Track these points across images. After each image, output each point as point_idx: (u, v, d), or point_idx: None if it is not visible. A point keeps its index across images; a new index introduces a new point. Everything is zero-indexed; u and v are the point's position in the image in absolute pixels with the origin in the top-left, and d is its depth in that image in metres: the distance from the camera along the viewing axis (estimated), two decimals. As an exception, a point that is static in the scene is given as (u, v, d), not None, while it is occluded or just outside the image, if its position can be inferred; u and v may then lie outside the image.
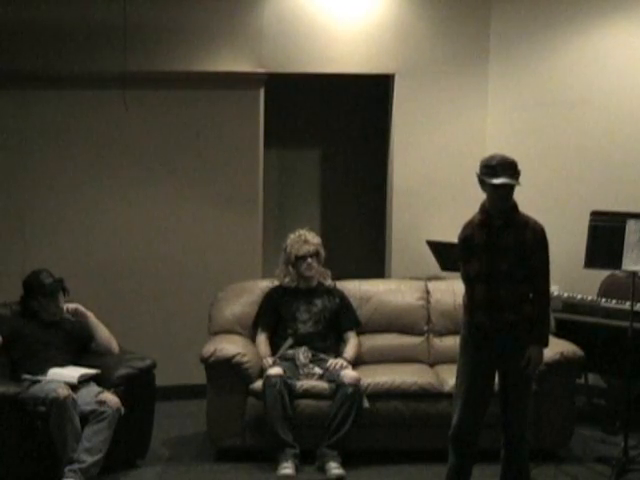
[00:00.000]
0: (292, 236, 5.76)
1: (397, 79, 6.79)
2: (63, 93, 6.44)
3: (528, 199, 6.55)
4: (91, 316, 5.38)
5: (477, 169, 4.39)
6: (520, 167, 4.37)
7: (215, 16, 6.52)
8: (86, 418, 4.89)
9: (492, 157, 4.39)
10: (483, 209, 4.44)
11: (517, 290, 4.38)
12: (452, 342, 5.67)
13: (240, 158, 6.65)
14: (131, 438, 5.19)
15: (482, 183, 4.38)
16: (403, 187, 6.83)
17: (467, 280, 4.47)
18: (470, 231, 4.46)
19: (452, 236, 5.77)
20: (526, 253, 4.36)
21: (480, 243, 4.40)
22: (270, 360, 5.42)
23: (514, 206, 4.42)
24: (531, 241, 4.37)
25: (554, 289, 6.25)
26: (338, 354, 5.61)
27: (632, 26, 6.45)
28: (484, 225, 4.42)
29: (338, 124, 7.76)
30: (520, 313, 4.39)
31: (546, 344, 4.47)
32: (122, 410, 4.97)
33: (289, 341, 5.56)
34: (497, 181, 4.29)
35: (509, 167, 4.32)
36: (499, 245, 4.37)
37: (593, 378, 6.36)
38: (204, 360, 5.36)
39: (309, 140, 7.83)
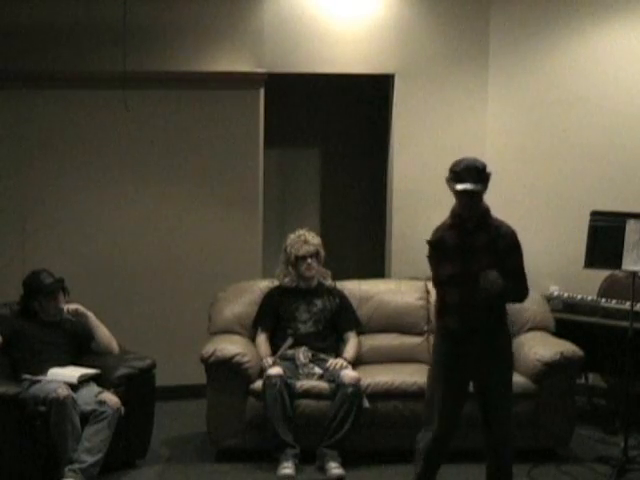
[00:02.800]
0: (292, 236, 5.76)
1: (397, 79, 6.78)
2: (63, 93, 6.43)
3: (528, 199, 6.61)
4: (91, 316, 5.38)
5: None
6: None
7: (215, 16, 6.52)
8: (86, 418, 4.89)
9: (460, 161, 4.26)
10: (454, 213, 4.34)
11: None
12: (452, 342, 5.68)
13: (240, 158, 6.64)
14: (131, 438, 5.19)
15: (450, 187, 4.28)
16: (403, 187, 6.82)
17: (439, 283, 4.38)
18: (441, 233, 4.36)
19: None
20: (499, 257, 4.26)
21: (452, 245, 4.30)
22: (270, 360, 5.42)
23: (486, 210, 4.33)
24: (503, 246, 4.29)
25: (554, 289, 6.26)
26: (338, 354, 5.61)
27: (631, 26, 6.46)
28: (456, 228, 4.32)
29: (338, 124, 7.76)
30: (492, 316, 4.32)
31: (504, 291, 4.22)
32: (122, 410, 4.98)
33: (289, 341, 5.55)
34: (460, 187, 4.20)
35: (474, 172, 4.20)
36: (471, 247, 4.28)
37: (593, 378, 6.36)
38: (204, 360, 5.36)
39: (309, 140, 7.83)
